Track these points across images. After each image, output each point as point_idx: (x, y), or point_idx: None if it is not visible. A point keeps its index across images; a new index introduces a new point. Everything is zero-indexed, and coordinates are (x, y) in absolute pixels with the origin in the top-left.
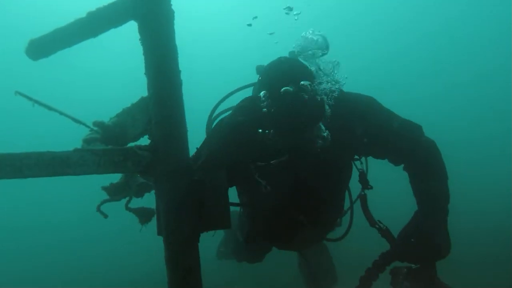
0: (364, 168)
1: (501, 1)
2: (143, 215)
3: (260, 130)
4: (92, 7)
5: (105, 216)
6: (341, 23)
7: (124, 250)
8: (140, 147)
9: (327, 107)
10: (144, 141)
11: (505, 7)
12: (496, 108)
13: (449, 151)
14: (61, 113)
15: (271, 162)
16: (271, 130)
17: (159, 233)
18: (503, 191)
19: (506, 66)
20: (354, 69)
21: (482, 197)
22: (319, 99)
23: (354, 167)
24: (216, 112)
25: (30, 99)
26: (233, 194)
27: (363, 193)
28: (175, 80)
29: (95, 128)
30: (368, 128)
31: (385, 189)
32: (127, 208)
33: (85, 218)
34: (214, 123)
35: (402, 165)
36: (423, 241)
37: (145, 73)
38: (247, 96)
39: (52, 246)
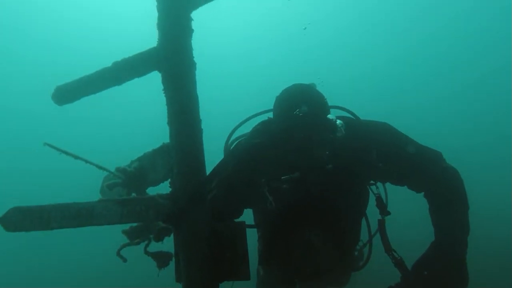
0: (381, 194)
1: (501, 4)
2: (161, 259)
3: (273, 150)
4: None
5: (124, 260)
6: (338, 28)
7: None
8: (161, 196)
9: (338, 129)
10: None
11: (505, 10)
12: (496, 113)
13: (448, 156)
14: (86, 161)
15: (282, 178)
16: (284, 149)
17: (177, 280)
18: (504, 196)
19: (506, 70)
20: (353, 74)
21: (482, 202)
22: (330, 122)
23: (371, 194)
24: (234, 136)
25: (57, 149)
26: (249, 217)
27: (381, 218)
28: (197, 130)
29: (117, 173)
30: (382, 152)
31: (398, 216)
32: (146, 252)
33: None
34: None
35: (423, 193)
36: (439, 275)
37: (167, 123)
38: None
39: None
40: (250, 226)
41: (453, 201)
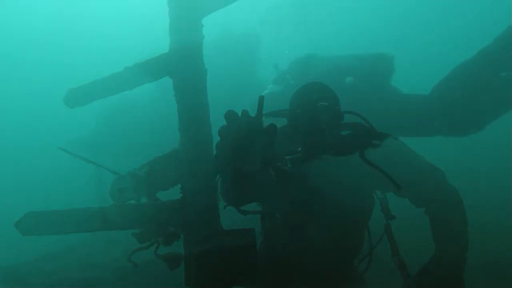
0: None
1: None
2: (172, 261)
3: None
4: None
5: (136, 265)
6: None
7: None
8: (172, 202)
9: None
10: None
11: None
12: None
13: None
14: (98, 165)
15: (286, 157)
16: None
17: (186, 284)
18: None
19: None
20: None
21: (481, 199)
22: (338, 113)
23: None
24: None
25: (70, 154)
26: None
27: (386, 222)
28: (207, 136)
29: (128, 177)
30: (387, 163)
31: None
32: (156, 255)
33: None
34: None
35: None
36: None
37: (178, 129)
38: None
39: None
40: (255, 212)
41: (453, 220)
